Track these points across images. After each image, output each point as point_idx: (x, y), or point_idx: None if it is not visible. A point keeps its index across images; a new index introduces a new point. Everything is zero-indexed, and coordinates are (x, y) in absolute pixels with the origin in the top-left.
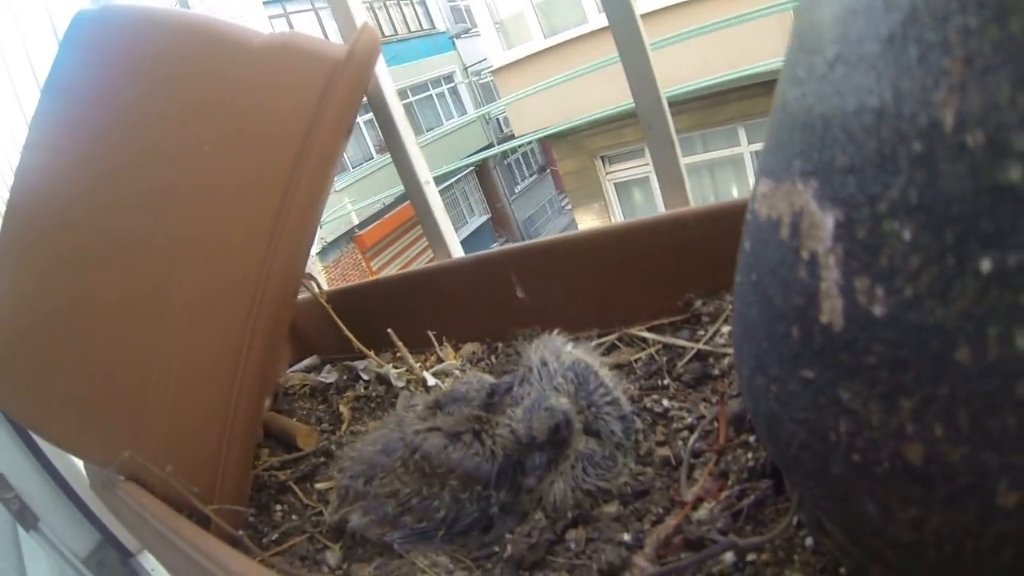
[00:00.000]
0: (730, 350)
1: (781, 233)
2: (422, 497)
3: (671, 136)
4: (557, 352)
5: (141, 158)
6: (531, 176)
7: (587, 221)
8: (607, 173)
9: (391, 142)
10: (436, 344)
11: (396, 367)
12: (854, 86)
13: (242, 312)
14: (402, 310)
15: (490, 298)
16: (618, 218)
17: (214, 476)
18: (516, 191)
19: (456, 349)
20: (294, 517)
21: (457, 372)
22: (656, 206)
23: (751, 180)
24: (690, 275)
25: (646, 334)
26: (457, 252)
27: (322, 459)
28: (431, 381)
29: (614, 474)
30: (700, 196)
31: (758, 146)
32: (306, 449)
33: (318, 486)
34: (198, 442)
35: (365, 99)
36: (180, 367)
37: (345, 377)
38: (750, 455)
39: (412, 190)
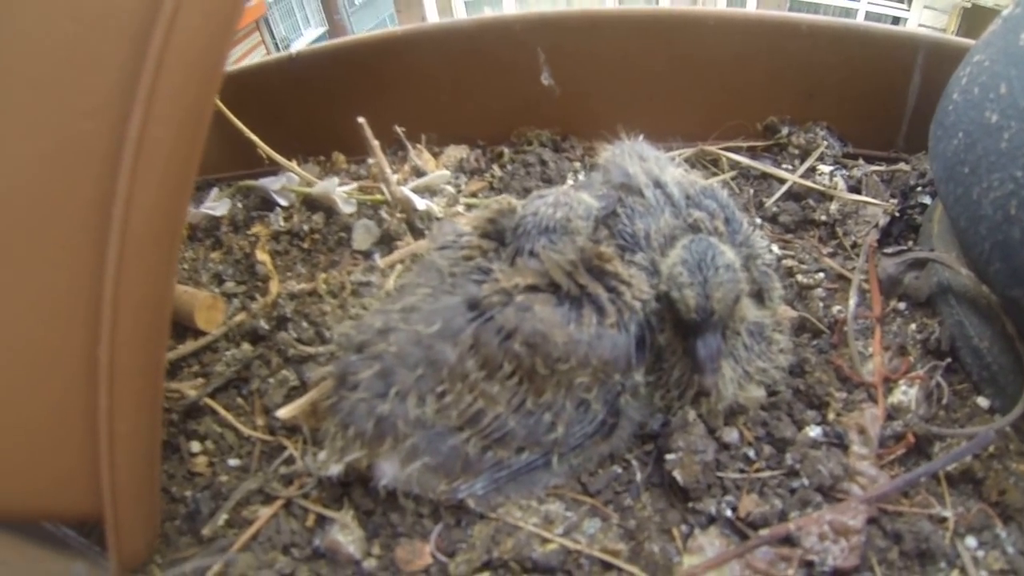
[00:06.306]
0: (838, 192)
1: None
2: (525, 413)
3: None
4: (663, 167)
5: None
6: None
7: None
8: None
9: None
10: (409, 145)
11: (342, 183)
12: None
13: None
14: (338, 99)
15: (493, 84)
16: None
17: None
18: (356, 3)
19: (435, 155)
20: (232, 463)
21: (448, 187)
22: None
23: None
24: (779, 95)
25: (737, 157)
26: (434, 15)
27: (248, 348)
28: (419, 204)
29: (778, 349)
30: None
31: None
32: (211, 331)
33: (280, 413)
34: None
35: None
36: None
37: (243, 205)
38: (913, 326)
39: None
